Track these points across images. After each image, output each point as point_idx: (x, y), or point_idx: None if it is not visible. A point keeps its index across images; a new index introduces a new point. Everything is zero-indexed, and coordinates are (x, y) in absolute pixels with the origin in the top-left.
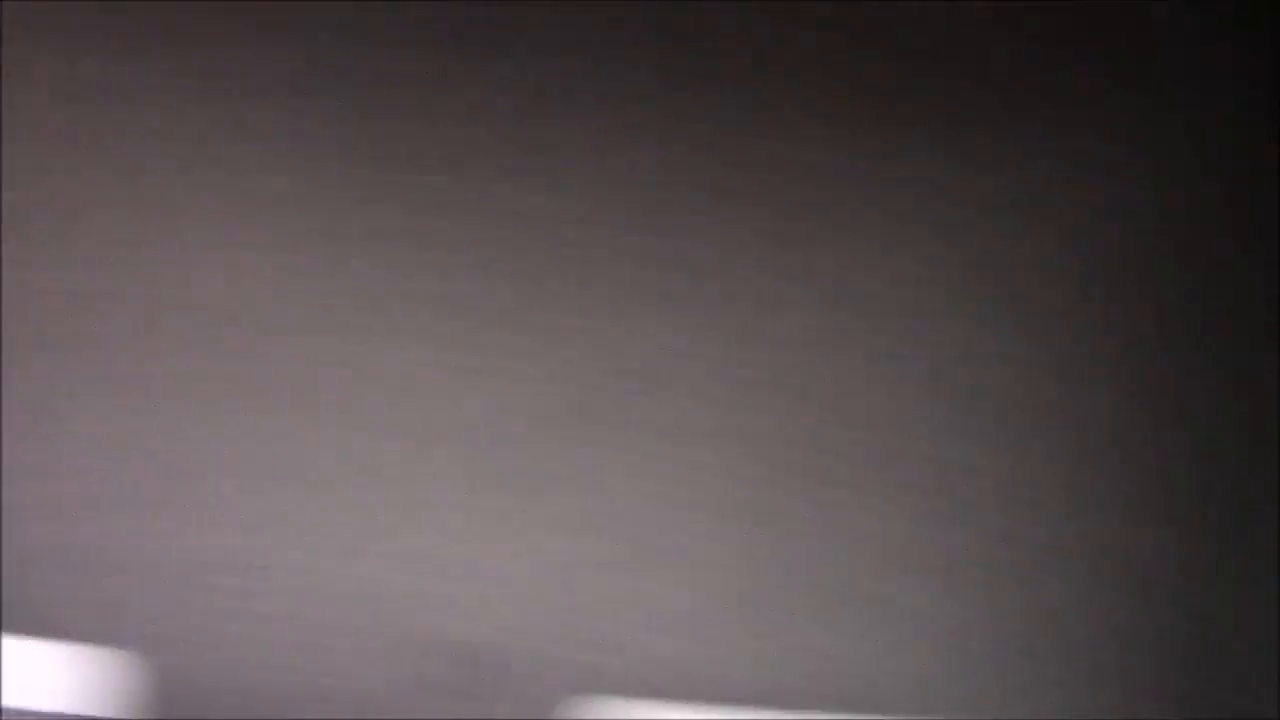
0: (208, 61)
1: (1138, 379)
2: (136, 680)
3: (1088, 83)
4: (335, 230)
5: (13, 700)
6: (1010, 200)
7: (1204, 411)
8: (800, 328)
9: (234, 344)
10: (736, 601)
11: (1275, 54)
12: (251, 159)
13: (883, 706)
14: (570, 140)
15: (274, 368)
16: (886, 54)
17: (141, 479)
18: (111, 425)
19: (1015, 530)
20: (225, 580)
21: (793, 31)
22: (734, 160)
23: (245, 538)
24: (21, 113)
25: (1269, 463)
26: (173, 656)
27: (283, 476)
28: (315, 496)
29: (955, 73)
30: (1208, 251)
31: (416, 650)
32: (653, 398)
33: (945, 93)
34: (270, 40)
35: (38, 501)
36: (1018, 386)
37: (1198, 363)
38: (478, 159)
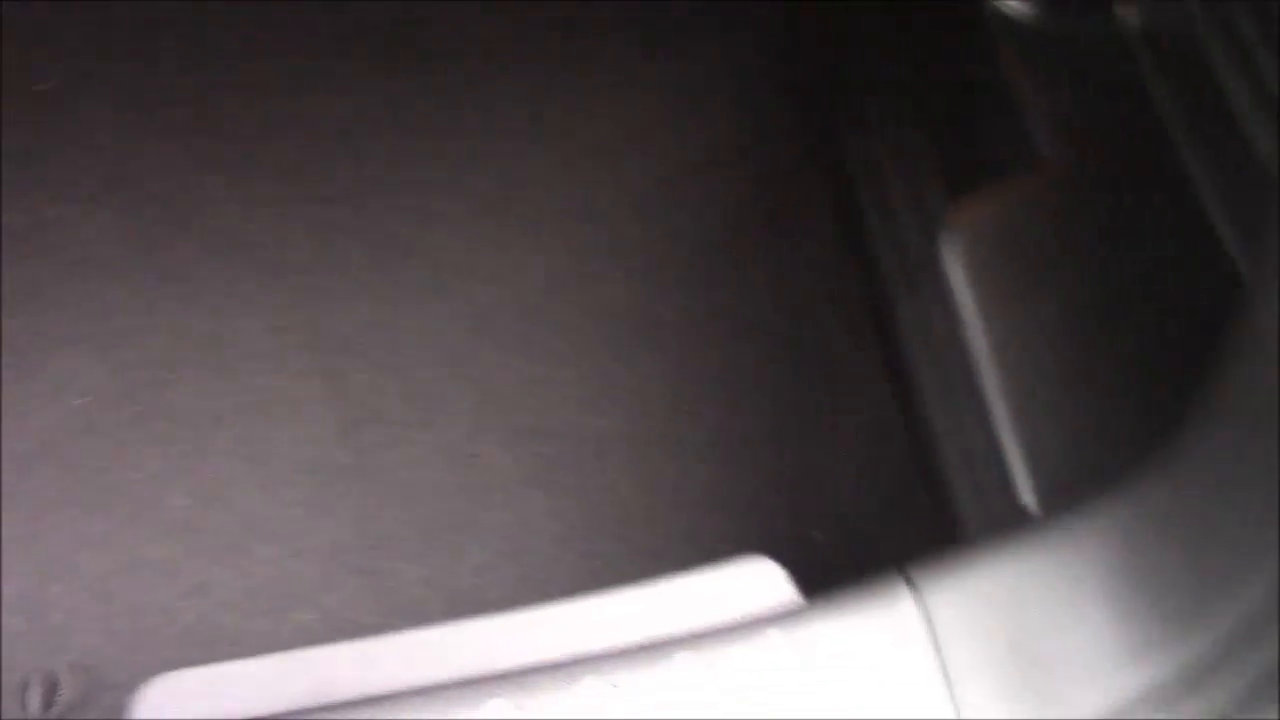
0: None
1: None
2: None
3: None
4: None
5: None
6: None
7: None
8: (354, 283)
9: None
10: (341, 561)
11: None
12: None
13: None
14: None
15: None
16: None
17: None
18: None
19: (599, 428)
20: None
21: None
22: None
23: None
24: None
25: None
26: None
27: None
28: None
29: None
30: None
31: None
32: (200, 384)
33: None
34: None
35: None
36: (589, 295)
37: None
38: None
